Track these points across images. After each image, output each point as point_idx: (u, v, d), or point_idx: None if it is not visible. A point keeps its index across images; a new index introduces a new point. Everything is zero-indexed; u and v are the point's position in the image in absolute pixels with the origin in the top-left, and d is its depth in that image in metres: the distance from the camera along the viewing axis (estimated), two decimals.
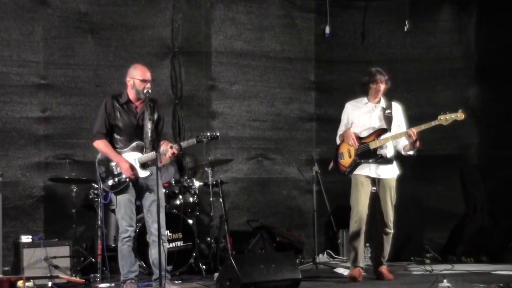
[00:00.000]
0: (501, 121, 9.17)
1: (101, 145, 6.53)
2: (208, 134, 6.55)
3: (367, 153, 7.06)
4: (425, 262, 8.23)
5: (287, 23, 9.72)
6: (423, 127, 6.89)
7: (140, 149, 6.54)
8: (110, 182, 6.55)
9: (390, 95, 7.25)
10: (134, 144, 6.53)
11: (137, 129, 6.55)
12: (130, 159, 6.51)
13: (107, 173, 6.56)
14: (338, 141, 7.29)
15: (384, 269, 7.24)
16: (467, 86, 9.56)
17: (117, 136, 6.57)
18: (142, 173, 6.53)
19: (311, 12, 9.82)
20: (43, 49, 8.50)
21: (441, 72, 9.64)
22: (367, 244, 7.95)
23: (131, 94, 6.59)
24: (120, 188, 6.53)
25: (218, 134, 6.59)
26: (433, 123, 6.85)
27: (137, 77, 6.52)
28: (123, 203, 6.56)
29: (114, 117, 6.54)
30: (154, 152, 6.33)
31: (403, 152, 7.11)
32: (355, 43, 9.80)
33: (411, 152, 7.06)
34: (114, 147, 6.56)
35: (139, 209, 8.12)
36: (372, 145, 7.04)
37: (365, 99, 7.20)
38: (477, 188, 9.38)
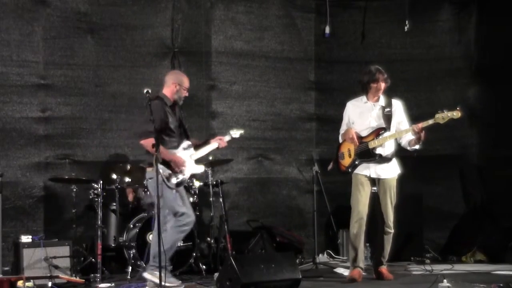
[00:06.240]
0: (501, 121, 9.16)
1: (147, 143, 6.60)
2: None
3: (366, 152, 7.06)
4: (425, 262, 8.23)
5: (287, 23, 9.72)
6: (420, 125, 6.88)
7: (190, 147, 6.89)
8: (174, 181, 6.74)
9: (390, 95, 7.24)
10: (184, 144, 6.86)
11: (180, 129, 6.90)
12: (185, 157, 6.80)
13: (170, 173, 6.72)
14: (340, 140, 7.29)
15: (384, 269, 7.24)
16: (467, 86, 9.56)
17: (167, 138, 6.77)
18: (199, 169, 6.91)
19: (311, 12, 9.82)
20: (43, 49, 8.50)
21: (441, 72, 9.65)
22: (367, 244, 7.95)
23: (172, 97, 6.89)
24: (183, 184, 6.85)
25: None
26: (430, 122, 6.83)
27: (184, 85, 6.93)
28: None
29: (165, 118, 6.77)
30: (208, 147, 6.99)
31: (408, 148, 7.08)
32: (355, 43, 9.80)
33: (417, 147, 7.01)
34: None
35: (139, 210, 8.16)
36: (371, 145, 7.03)
37: (364, 98, 7.19)
38: (477, 188, 9.38)
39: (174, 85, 6.87)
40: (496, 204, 9.17)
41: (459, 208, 9.42)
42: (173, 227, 6.74)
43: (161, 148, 6.58)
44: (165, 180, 6.64)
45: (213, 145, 7.08)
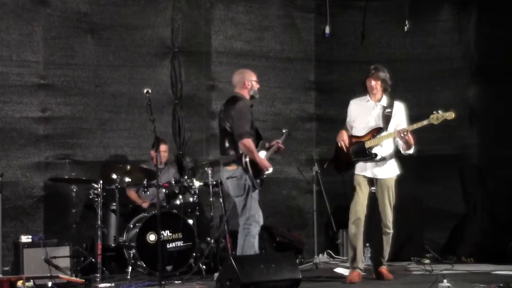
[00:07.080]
0: (501, 121, 9.15)
1: (251, 143, 6.76)
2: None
3: (362, 151, 7.06)
4: (425, 262, 8.23)
5: (287, 23, 9.72)
6: (415, 126, 6.89)
7: (263, 147, 7.00)
8: (258, 180, 6.86)
9: (390, 95, 7.24)
10: (260, 143, 6.97)
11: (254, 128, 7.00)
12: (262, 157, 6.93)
13: (256, 173, 6.81)
14: None
15: (384, 269, 7.24)
16: (467, 86, 9.55)
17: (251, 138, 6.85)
18: (271, 169, 7.04)
19: (311, 12, 9.82)
20: (43, 49, 8.50)
21: (441, 72, 9.63)
22: (367, 244, 7.95)
23: (249, 96, 7.01)
24: (263, 184, 6.96)
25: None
26: (425, 122, 6.84)
27: (253, 79, 7.00)
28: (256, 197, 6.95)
29: (251, 118, 6.86)
30: (273, 149, 7.11)
31: (402, 152, 7.10)
32: (355, 43, 9.80)
33: (410, 151, 7.02)
34: None
35: (139, 210, 8.16)
36: (368, 144, 7.04)
37: (367, 97, 7.20)
38: (477, 188, 9.38)
39: (247, 83, 6.97)
40: (496, 204, 9.17)
41: (459, 208, 9.41)
42: (241, 236, 6.82)
43: (253, 147, 6.75)
44: (253, 180, 6.75)
45: (275, 147, 7.18)
